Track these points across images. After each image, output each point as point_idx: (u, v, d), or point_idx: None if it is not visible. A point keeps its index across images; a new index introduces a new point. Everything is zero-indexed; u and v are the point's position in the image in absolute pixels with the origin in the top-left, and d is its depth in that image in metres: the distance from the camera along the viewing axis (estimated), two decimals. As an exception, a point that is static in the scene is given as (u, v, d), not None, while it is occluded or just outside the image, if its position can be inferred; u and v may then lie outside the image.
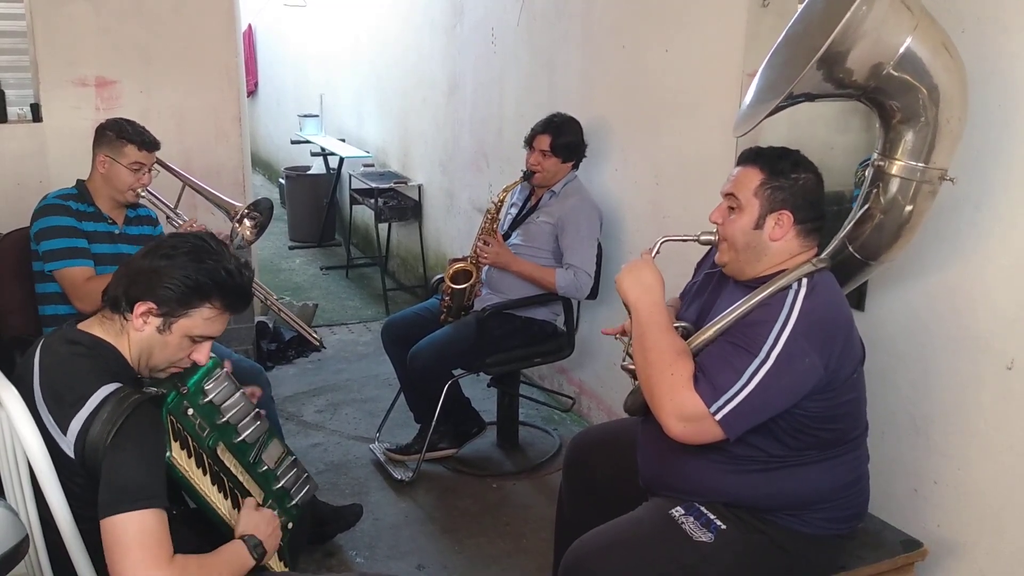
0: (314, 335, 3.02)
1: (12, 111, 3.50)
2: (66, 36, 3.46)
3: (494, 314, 3.08)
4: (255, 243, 3.04)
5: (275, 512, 1.74)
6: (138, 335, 1.58)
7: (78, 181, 2.71)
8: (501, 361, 3.15)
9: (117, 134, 2.64)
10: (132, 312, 1.57)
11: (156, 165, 2.75)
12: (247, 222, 2.88)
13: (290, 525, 1.86)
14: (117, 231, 2.71)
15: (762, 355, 1.63)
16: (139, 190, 2.68)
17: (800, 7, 1.91)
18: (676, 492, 1.84)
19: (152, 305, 1.56)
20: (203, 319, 1.60)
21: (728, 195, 1.80)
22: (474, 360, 3.10)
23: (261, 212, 2.91)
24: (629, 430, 2.03)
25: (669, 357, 1.69)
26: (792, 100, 1.79)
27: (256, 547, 1.60)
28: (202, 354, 1.63)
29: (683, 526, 1.76)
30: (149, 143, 2.67)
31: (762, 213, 1.75)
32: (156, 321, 1.57)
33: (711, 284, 1.95)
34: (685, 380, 1.66)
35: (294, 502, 1.88)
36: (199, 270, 1.57)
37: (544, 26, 3.71)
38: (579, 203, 3.10)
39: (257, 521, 1.65)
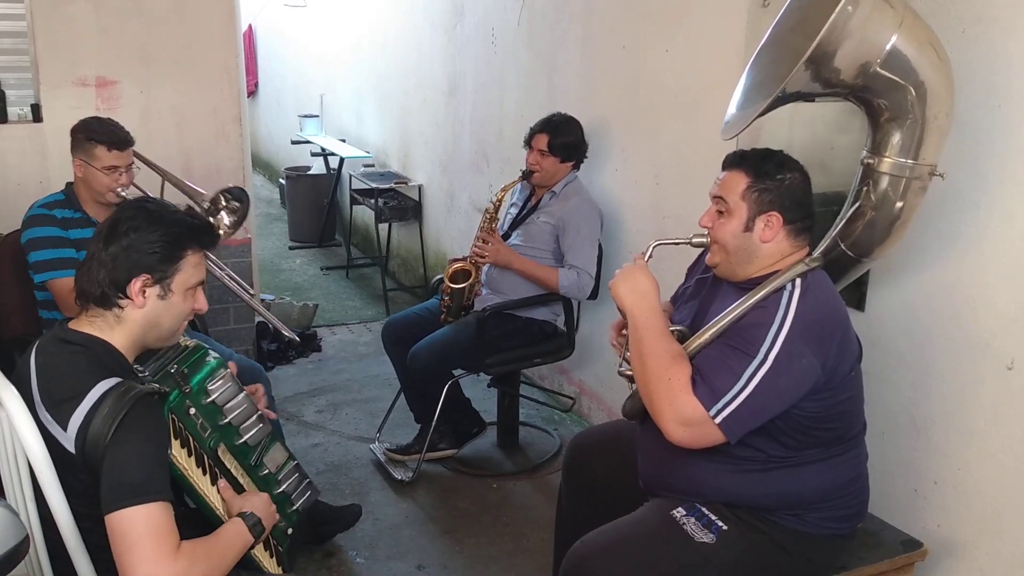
0: (287, 331, 2.93)
1: (12, 111, 3.49)
2: (66, 36, 3.46)
3: (494, 314, 3.07)
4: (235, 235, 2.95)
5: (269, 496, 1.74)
6: (140, 312, 1.60)
7: (67, 184, 2.66)
8: (501, 361, 3.15)
9: (87, 136, 2.53)
10: (126, 295, 1.57)
11: (136, 160, 2.64)
12: (225, 216, 2.75)
13: (290, 531, 1.86)
14: None
15: (760, 357, 1.63)
16: (119, 190, 2.56)
17: (785, 5, 1.91)
18: (676, 493, 1.84)
19: (147, 276, 1.58)
20: (192, 267, 1.64)
21: (716, 198, 1.81)
22: (474, 360, 3.10)
23: (240, 202, 2.78)
24: (629, 430, 2.03)
25: (666, 362, 1.70)
26: (782, 100, 1.79)
27: (255, 525, 1.60)
28: (201, 301, 1.68)
29: (684, 527, 1.76)
30: (119, 141, 2.55)
31: (751, 216, 1.76)
32: (155, 290, 1.60)
33: (704, 288, 1.95)
34: (683, 385, 1.66)
35: (295, 507, 1.88)
36: (167, 223, 1.61)
37: (544, 26, 3.71)
38: (580, 203, 3.10)
39: (253, 501, 1.65)
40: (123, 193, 2.57)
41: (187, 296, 1.65)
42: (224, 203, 2.78)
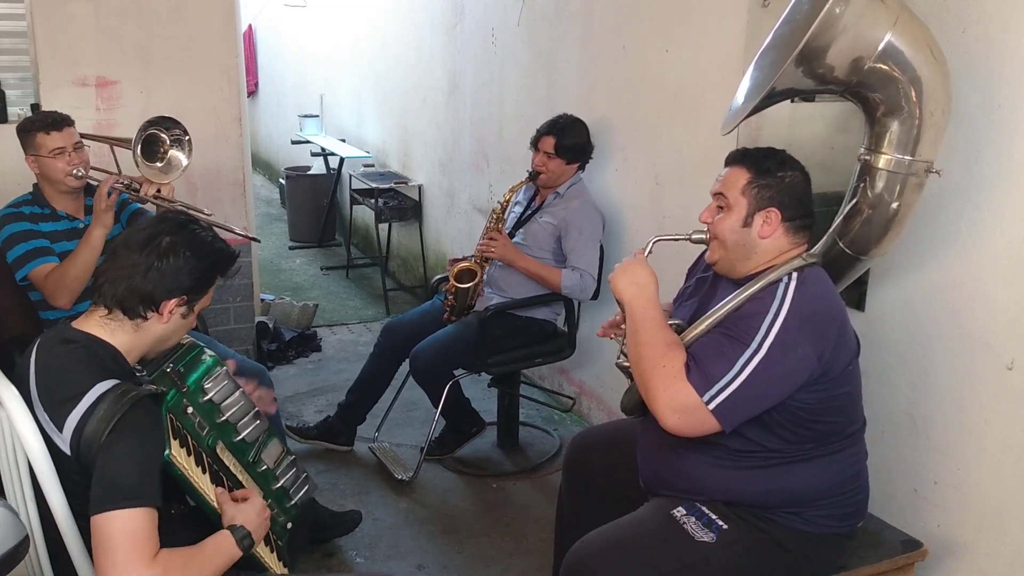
0: (239, 230, 2.69)
1: (12, 111, 3.50)
2: (66, 36, 3.46)
3: (495, 314, 3.08)
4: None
5: (265, 501, 1.72)
6: (161, 327, 1.64)
7: (33, 185, 2.69)
8: (502, 361, 3.15)
9: (26, 129, 2.58)
10: (157, 310, 1.61)
11: (84, 140, 2.65)
12: (177, 154, 2.64)
13: (289, 525, 1.86)
14: (80, 225, 2.65)
15: (754, 345, 1.64)
16: (76, 172, 2.57)
17: (787, 9, 1.92)
18: (676, 491, 1.84)
19: (183, 297, 1.64)
20: (212, 292, 1.72)
21: (717, 195, 1.82)
22: (475, 360, 3.10)
23: (175, 128, 2.67)
24: (629, 430, 2.03)
25: (661, 350, 1.71)
26: (774, 97, 1.80)
27: (244, 538, 1.57)
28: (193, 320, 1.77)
29: (685, 526, 1.77)
30: (54, 122, 2.57)
31: (750, 211, 1.77)
32: (181, 310, 1.66)
33: (704, 287, 1.96)
34: (678, 371, 1.67)
35: (293, 502, 1.88)
36: (214, 252, 1.68)
37: (544, 26, 3.71)
38: (582, 206, 3.11)
39: (246, 510, 1.63)
40: (80, 174, 2.58)
41: (195, 318, 1.73)
42: (167, 142, 2.68)
